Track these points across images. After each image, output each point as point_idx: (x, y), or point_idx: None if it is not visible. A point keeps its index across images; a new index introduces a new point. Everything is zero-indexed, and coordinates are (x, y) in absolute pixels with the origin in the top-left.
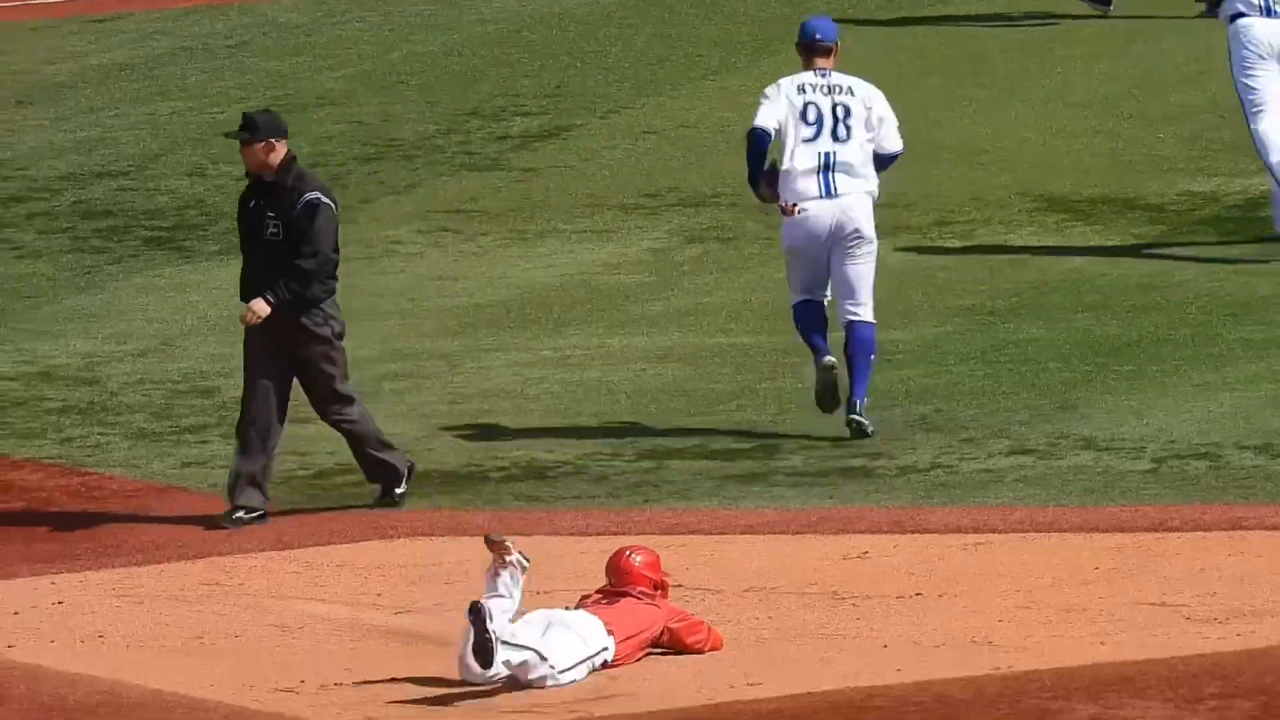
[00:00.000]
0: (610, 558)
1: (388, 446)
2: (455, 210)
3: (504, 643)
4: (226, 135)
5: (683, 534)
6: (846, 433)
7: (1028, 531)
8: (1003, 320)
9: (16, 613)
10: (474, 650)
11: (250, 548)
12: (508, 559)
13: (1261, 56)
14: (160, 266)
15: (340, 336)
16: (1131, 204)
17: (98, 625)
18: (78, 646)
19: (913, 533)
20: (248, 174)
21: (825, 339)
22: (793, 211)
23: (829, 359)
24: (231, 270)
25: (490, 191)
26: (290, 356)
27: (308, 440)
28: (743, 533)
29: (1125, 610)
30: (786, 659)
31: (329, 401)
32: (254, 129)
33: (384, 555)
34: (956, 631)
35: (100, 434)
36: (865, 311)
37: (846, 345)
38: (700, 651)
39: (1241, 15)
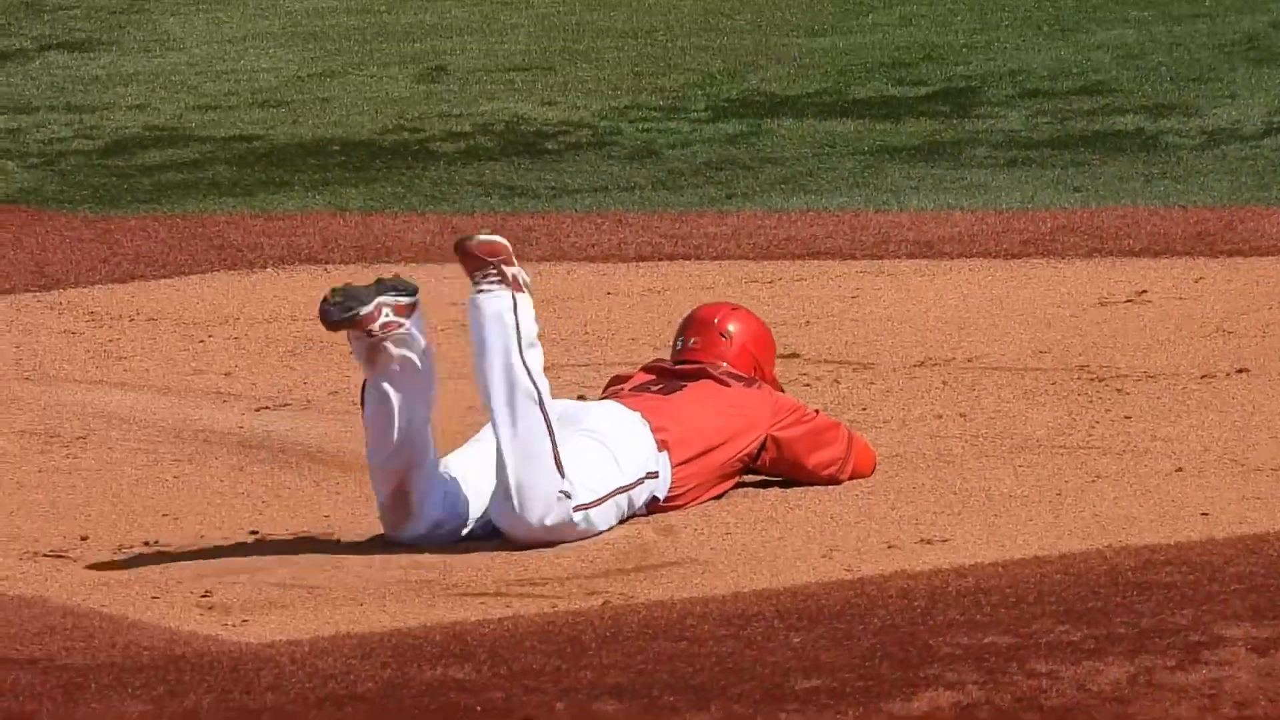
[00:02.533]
0: (696, 309)
1: None
2: None
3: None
4: None
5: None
6: None
7: None
8: None
9: None
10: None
11: None
12: (509, 273)
13: None
14: None
15: None
16: None
17: None
18: None
19: None
20: None
21: None
22: None
23: None
24: None
25: None
26: None
27: None
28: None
29: None
30: (970, 493)
31: None
32: None
33: (230, 294)
34: None
35: None
36: None
37: None
38: (833, 480)
39: None
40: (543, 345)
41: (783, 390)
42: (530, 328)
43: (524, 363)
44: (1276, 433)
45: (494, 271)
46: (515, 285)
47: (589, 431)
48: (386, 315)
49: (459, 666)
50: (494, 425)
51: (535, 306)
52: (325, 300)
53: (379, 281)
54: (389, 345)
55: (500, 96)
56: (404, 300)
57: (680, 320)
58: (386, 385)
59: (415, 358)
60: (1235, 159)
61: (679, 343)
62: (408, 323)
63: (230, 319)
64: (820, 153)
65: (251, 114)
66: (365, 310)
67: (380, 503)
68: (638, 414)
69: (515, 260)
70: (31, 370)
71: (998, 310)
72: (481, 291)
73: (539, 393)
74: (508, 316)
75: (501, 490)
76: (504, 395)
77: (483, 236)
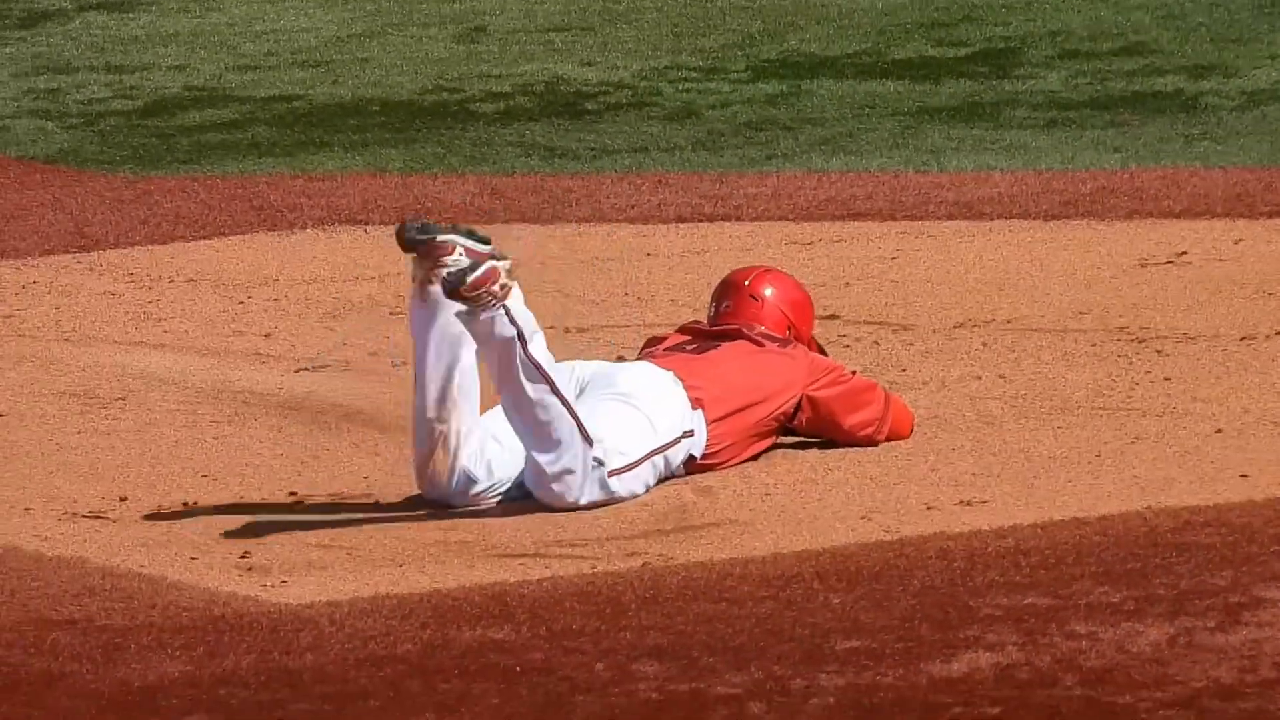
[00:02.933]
0: (730, 274)
1: None
2: None
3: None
4: None
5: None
6: None
7: None
8: None
9: None
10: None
11: None
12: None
13: None
14: None
15: None
16: None
17: None
18: None
19: None
20: None
21: None
22: None
23: None
24: None
25: None
26: None
27: None
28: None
29: None
30: (1010, 454)
31: None
32: None
33: (269, 255)
34: None
35: None
36: None
37: None
38: (870, 441)
39: None
40: (574, 309)
41: (824, 351)
42: (529, 323)
43: (533, 361)
44: None
45: (485, 291)
46: (504, 292)
47: (622, 396)
48: (460, 254)
49: (498, 627)
50: (511, 419)
51: (576, 266)
52: (404, 223)
53: (455, 227)
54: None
55: (540, 57)
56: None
57: (715, 286)
58: (450, 326)
59: (492, 307)
60: (1276, 120)
61: (713, 308)
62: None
63: (270, 280)
64: (860, 113)
65: (291, 74)
66: (444, 238)
67: (419, 451)
68: (670, 373)
69: (492, 253)
70: (71, 331)
71: (1037, 271)
72: (472, 314)
73: (551, 384)
74: (504, 329)
75: (533, 468)
76: (518, 401)
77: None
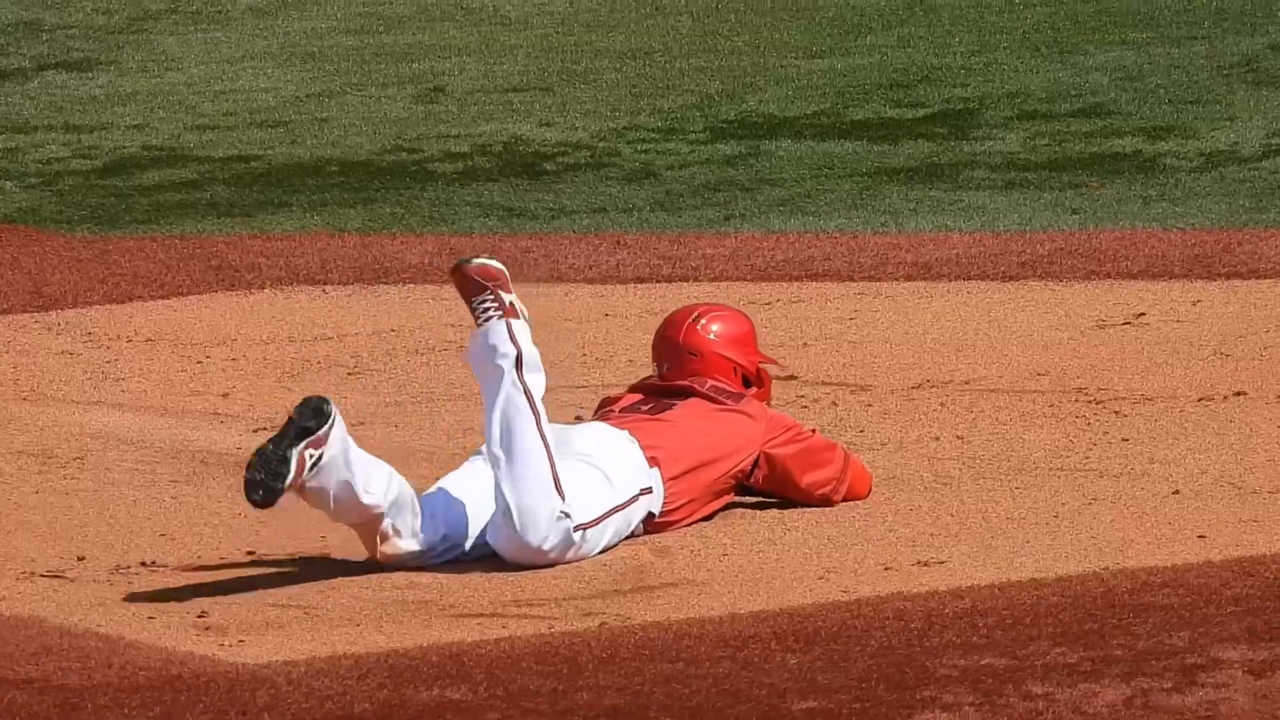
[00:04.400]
0: (662, 326)
1: None
2: None
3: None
4: None
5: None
6: None
7: None
8: None
9: None
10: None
11: None
12: (505, 299)
13: None
14: None
15: None
16: None
17: None
18: None
19: None
20: None
21: None
22: None
23: None
24: None
25: None
26: None
27: None
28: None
29: None
30: (967, 515)
31: None
32: None
33: (227, 315)
34: None
35: None
36: None
37: None
38: (826, 501)
39: None
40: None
41: (770, 389)
42: (531, 351)
43: (524, 386)
44: (1273, 455)
45: (490, 297)
46: (511, 311)
47: (579, 455)
48: (310, 458)
49: (456, 687)
50: (491, 448)
51: (534, 328)
52: (247, 477)
53: (288, 427)
54: (313, 484)
55: (498, 117)
56: (320, 434)
57: (656, 334)
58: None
59: (336, 479)
60: (1233, 181)
61: (656, 367)
62: (326, 452)
63: (228, 340)
64: (818, 174)
65: (250, 134)
66: (289, 478)
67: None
68: (625, 432)
69: (511, 287)
70: (29, 391)
71: (995, 332)
72: (480, 323)
73: (537, 417)
74: (505, 346)
75: (501, 512)
76: (500, 419)
77: (479, 260)
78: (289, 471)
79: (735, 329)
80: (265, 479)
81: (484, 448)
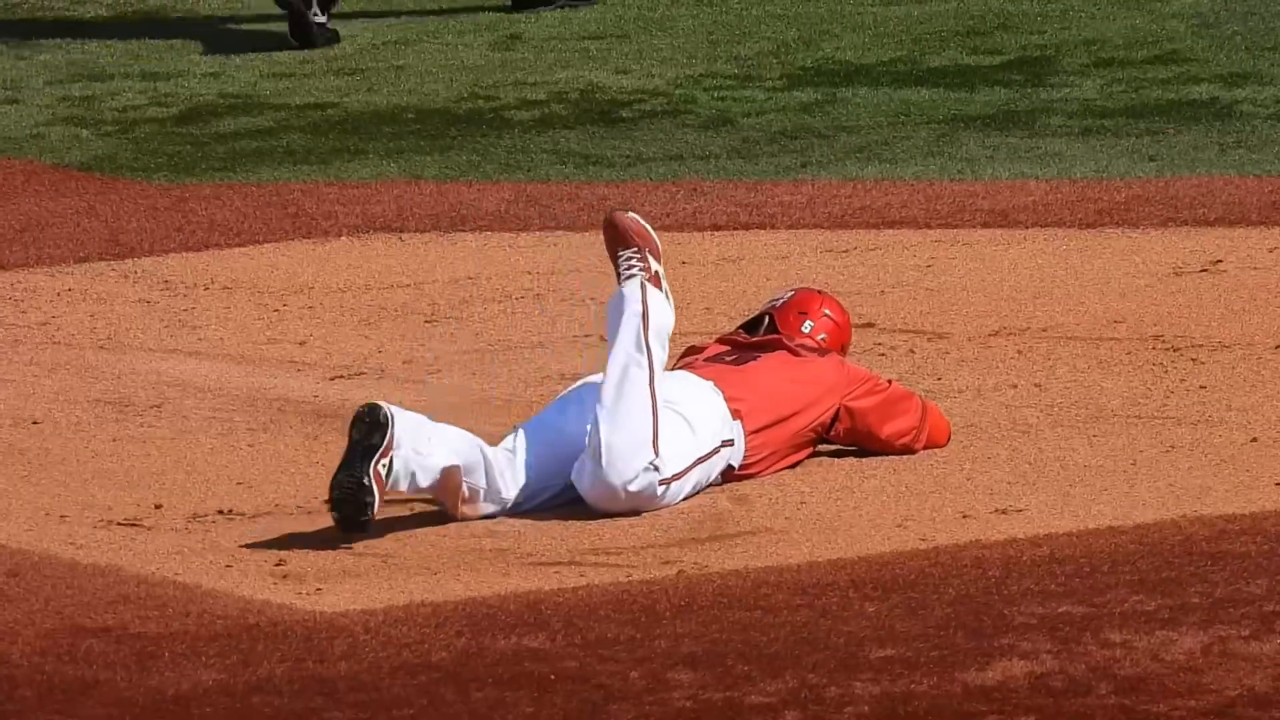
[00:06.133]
0: (780, 300)
1: None
2: None
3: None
4: None
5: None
6: None
7: None
8: None
9: None
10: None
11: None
12: (652, 264)
13: None
14: None
15: None
16: None
17: None
18: None
19: None
20: None
21: None
22: None
23: None
24: None
25: None
26: None
27: None
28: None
29: None
30: (1045, 463)
31: None
32: None
33: (304, 263)
34: None
35: None
36: None
37: None
38: (907, 450)
39: None
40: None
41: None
42: (661, 317)
43: (646, 342)
44: None
45: (637, 255)
46: (655, 280)
47: (665, 403)
48: (384, 469)
49: (533, 635)
50: (602, 390)
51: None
52: (337, 516)
53: (353, 450)
54: (392, 489)
55: (575, 64)
56: (386, 443)
57: (768, 301)
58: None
59: (411, 472)
60: None
61: (762, 319)
62: (395, 456)
63: (305, 288)
64: (895, 121)
65: (326, 81)
66: (375, 503)
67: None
68: (710, 383)
69: (660, 255)
70: (106, 339)
71: (1072, 280)
72: (622, 280)
73: (652, 376)
74: (636, 304)
75: (590, 451)
76: (619, 368)
77: (634, 215)
78: (373, 497)
79: (843, 318)
80: (354, 514)
81: (568, 393)
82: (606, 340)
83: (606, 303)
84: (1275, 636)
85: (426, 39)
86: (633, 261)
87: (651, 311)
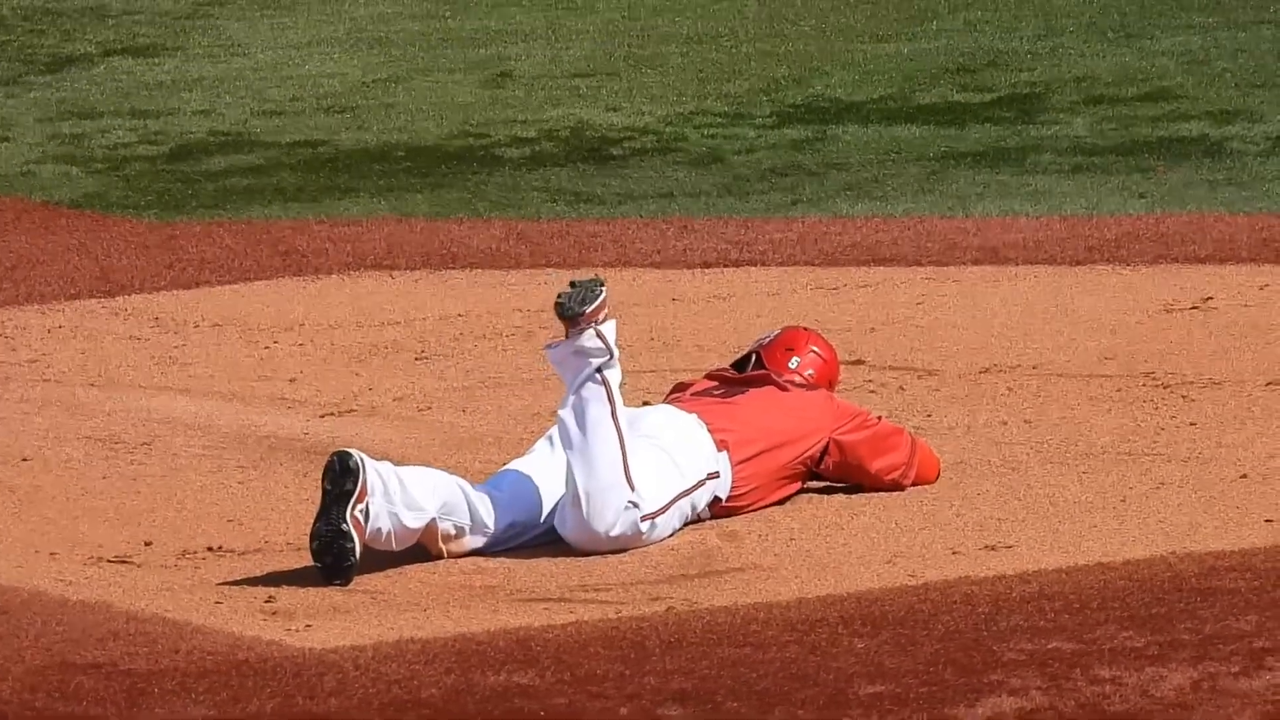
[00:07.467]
0: (770, 338)
1: None
2: None
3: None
4: None
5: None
6: None
7: None
8: None
9: None
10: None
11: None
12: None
13: None
14: None
15: None
16: None
17: None
18: None
19: None
20: None
21: None
22: None
23: None
24: None
25: None
26: None
27: None
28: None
29: None
30: (1035, 499)
31: None
32: None
33: (294, 300)
34: None
35: None
36: None
37: None
38: (896, 486)
39: None
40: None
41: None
42: (615, 350)
43: (602, 377)
44: None
45: (589, 330)
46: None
47: (646, 437)
48: (361, 514)
49: (523, 672)
50: (565, 434)
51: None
52: (320, 566)
53: (328, 499)
54: (372, 533)
55: (565, 102)
56: (360, 488)
57: (756, 340)
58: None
59: (387, 516)
60: None
61: (750, 357)
62: (370, 501)
63: (295, 325)
64: (885, 159)
65: (316, 119)
66: (356, 548)
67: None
68: (694, 415)
69: (608, 306)
70: (96, 376)
71: (1063, 317)
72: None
73: (613, 406)
74: (592, 343)
75: (570, 498)
76: (577, 406)
77: (582, 308)
78: (353, 543)
79: (829, 352)
80: (336, 561)
81: (554, 430)
82: (559, 374)
83: (552, 347)
84: (1265, 673)
85: (417, 76)
86: (585, 333)
87: (611, 346)
